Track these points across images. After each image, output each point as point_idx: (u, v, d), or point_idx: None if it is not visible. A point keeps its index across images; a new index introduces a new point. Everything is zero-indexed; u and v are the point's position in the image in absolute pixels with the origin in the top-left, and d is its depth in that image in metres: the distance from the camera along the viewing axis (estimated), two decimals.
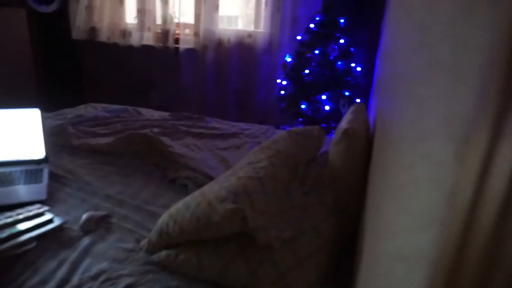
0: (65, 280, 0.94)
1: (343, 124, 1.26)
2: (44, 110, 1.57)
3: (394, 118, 0.63)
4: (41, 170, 1.44)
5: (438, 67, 0.32)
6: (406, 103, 0.50)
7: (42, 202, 1.24)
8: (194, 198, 0.99)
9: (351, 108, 1.53)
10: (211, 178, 1.43)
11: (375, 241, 0.55)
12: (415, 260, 0.30)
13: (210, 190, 1.00)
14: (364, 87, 2.64)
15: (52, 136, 1.77)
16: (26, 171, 1.43)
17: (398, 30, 0.84)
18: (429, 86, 0.34)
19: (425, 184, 0.30)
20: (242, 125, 2.25)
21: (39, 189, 1.33)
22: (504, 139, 0.20)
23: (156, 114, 2.31)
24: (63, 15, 2.97)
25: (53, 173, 1.47)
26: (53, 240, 1.08)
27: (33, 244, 1.04)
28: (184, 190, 1.46)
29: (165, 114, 2.29)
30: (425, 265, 0.26)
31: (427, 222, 0.28)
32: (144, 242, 1.08)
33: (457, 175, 0.24)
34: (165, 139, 1.76)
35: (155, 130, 1.93)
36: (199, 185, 1.35)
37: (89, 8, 2.96)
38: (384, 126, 0.92)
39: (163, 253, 1.01)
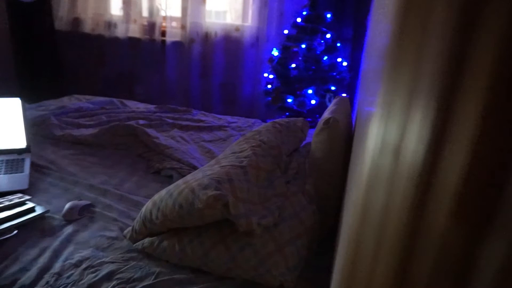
0: (47, 267, 0.94)
1: (325, 114, 1.29)
2: (24, 101, 1.55)
3: (368, 102, 0.66)
4: (22, 160, 1.43)
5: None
6: (375, 84, 0.52)
7: (23, 192, 1.23)
8: (177, 186, 1.00)
9: (334, 100, 1.56)
10: (196, 169, 1.44)
11: (347, 219, 0.57)
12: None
13: (194, 178, 1.01)
14: (350, 82, 2.67)
15: (34, 126, 1.75)
16: (7, 160, 1.41)
17: (377, 23, 0.87)
18: (387, 65, 0.36)
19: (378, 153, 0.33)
20: (229, 118, 2.26)
21: (21, 178, 1.31)
22: (415, 106, 0.22)
23: (142, 107, 2.30)
24: (45, 6, 2.91)
25: (35, 163, 1.46)
26: (34, 229, 1.08)
27: (14, 232, 1.04)
28: (168, 180, 1.47)
29: (151, 107, 2.28)
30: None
31: (376, 187, 0.31)
32: (127, 230, 1.08)
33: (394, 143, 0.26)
34: (150, 131, 1.76)
35: (141, 122, 1.92)
36: (184, 176, 1.36)
37: None
38: (361, 113, 0.95)
39: (147, 241, 1.02)
